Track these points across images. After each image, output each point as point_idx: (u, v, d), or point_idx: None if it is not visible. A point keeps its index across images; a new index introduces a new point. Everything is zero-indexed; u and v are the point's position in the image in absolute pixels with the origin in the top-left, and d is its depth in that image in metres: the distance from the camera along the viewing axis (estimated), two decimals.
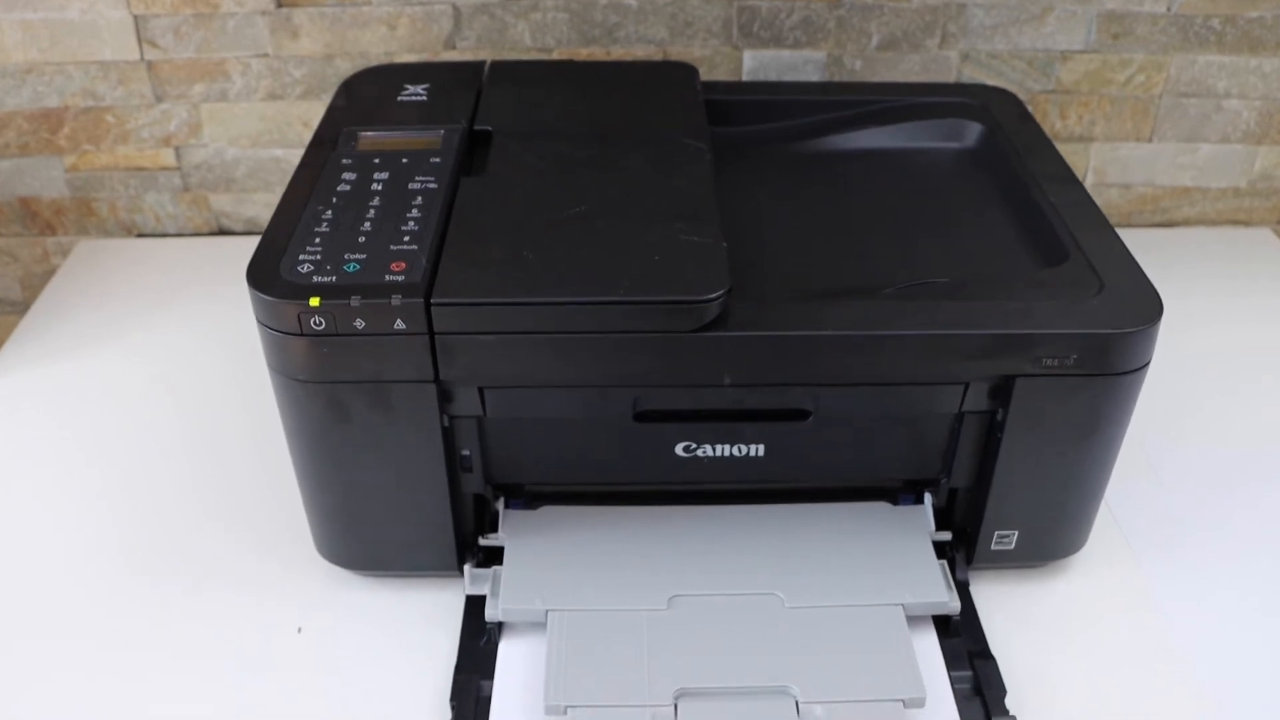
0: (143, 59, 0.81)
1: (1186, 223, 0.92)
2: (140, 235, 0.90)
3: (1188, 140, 0.87)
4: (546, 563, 0.57)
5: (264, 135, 0.85)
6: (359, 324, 0.49)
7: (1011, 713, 0.52)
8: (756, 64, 0.83)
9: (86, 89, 0.82)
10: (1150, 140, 0.87)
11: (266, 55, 0.82)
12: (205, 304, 0.81)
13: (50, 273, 0.89)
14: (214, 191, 0.88)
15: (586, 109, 0.64)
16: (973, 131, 0.68)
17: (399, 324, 0.49)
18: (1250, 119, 0.86)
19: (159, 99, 0.83)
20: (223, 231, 0.90)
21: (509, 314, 0.49)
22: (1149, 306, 0.52)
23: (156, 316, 0.80)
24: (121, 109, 0.83)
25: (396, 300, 0.49)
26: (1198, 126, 0.87)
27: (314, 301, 0.49)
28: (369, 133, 0.62)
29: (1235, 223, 0.92)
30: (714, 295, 0.49)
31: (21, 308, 0.92)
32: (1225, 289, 0.84)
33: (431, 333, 0.50)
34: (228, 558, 0.62)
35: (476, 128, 0.62)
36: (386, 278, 0.50)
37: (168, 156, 0.86)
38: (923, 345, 0.51)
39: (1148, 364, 0.53)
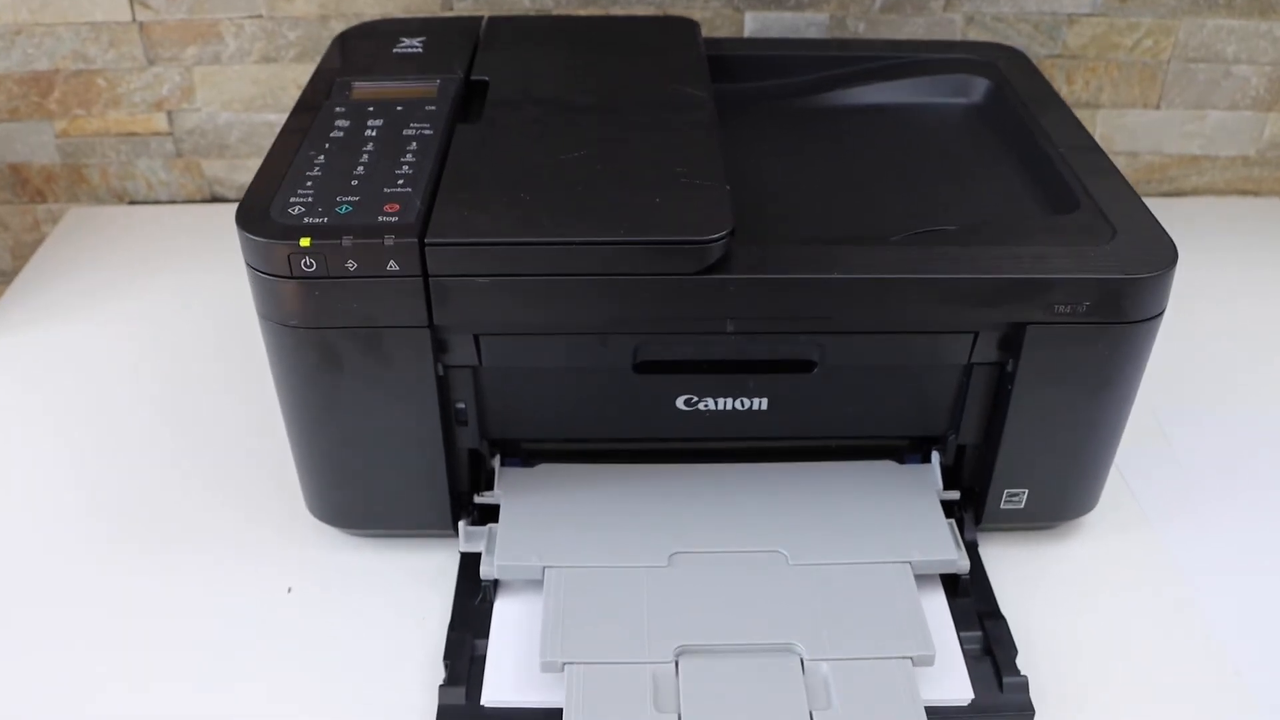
0: (134, 20, 0.80)
1: (1195, 192, 0.90)
2: (132, 202, 0.89)
3: (1196, 107, 0.86)
4: (543, 520, 0.56)
5: (257, 99, 0.84)
6: (351, 265, 0.48)
7: (1023, 673, 0.51)
8: (758, 25, 0.81)
9: (77, 51, 0.81)
10: (1158, 107, 0.86)
11: (260, 16, 0.80)
12: (196, 270, 0.80)
13: (40, 241, 0.87)
14: (207, 157, 0.86)
15: (586, 60, 0.63)
16: (980, 87, 0.67)
17: (392, 265, 0.48)
18: (1260, 85, 0.85)
19: (151, 62, 0.82)
20: (215, 199, 0.89)
21: (505, 255, 0.48)
22: (1163, 253, 0.51)
23: (146, 282, 0.79)
24: (113, 72, 0.82)
25: (390, 240, 0.47)
26: (1206, 93, 0.85)
27: (305, 242, 0.47)
28: (364, 83, 0.60)
29: (1244, 193, 0.90)
30: (717, 236, 0.48)
31: (11, 277, 0.90)
32: (1234, 260, 0.82)
33: (425, 275, 0.48)
34: (217, 518, 0.60)
35: (473, 78, 0.61)
36: (380, 219, 0.48)
37: (160, 121, 0.84)
38: (932, 290, 0.49)
39: (1162, 313, 0.52)
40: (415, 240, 0.47)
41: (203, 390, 0.69)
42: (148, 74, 0.82)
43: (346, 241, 0.47)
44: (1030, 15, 0.81)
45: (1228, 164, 0.89)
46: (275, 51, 0.82)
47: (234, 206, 0.50)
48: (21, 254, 0.90)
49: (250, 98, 0.83)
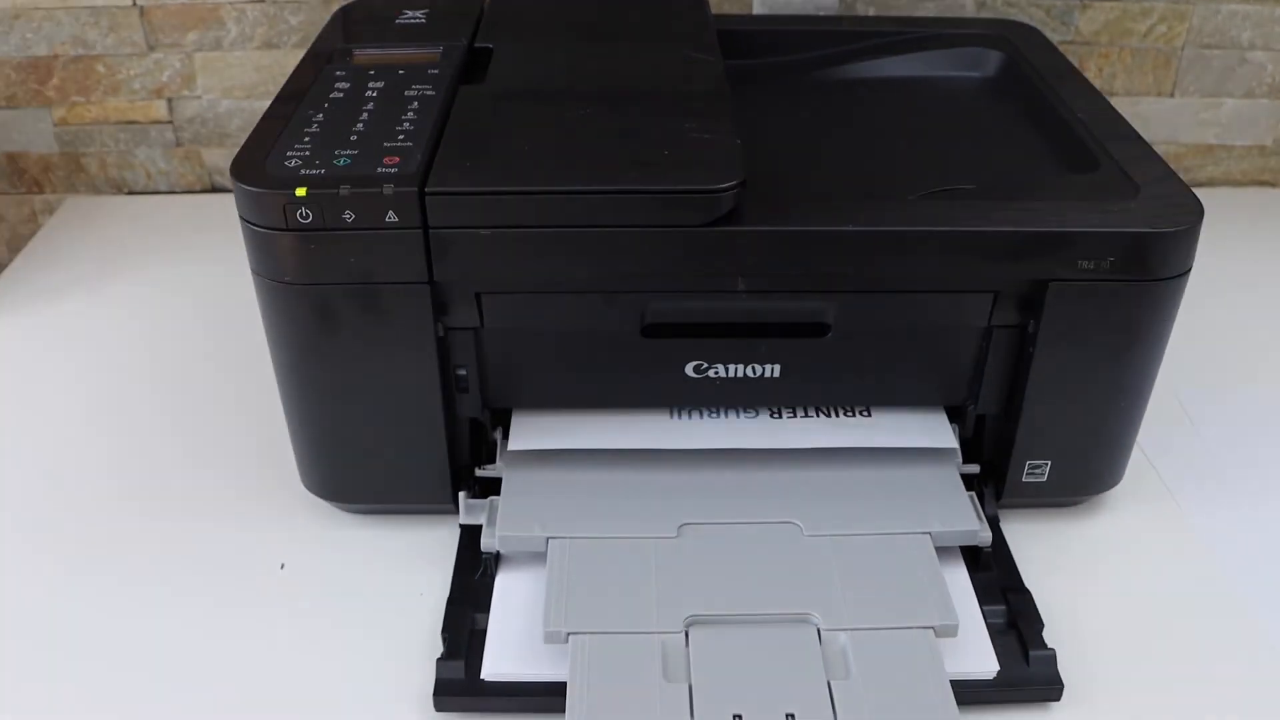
0: (135, 4, 0.79)
1: (1210, 183, 0.89)
2: (131, 193, 0.87)
3: (1211, 95, 0.84)
4: (547, 492, 0.54)
5: (259, 86, 0.83)
6: (348, 216, 0.46)
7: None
8: (766, 6, 0.80)
9: (76, 36, 0.80)
10: (1172, 95, 0.85)
11: (262, 1, 0.79)
12: (193, 260, 0.78)
13: (37, 233, 0.86)
14: (207, 146, 0.85)
15: (592, 28, 0.62)
16: (993, 60, 0.66)
17: (391, 216, 0.46)
18: (1276, 72, 0.83)
19: (151, 47, 0.81)
20: (216, 189, 0.87)
21: (508, 205, 0.46)
22: (1189, 208, 0.49)
23: (141, 271, 0.77)
24: (112, 58, 0.81)
25: (389, 189, 0.46)
26: (1221, 80, 0.84)
27: (300, 192, 0.46)
28: (365, 50, 0.59)
29: (1261, 183, 0.89)
30: (728, 185, 0.46)
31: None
32: (1252, 252, 0.80)
33: (425, 227, 0.46)
34: (208, 494, 0.58)
35: (477, 45, 0.60)
36: (379, 170, 0.47)
37: (160, 109, 0.83)
38: (951, 244, 0.48)
39: (1188, 271, 0.50)
40: (415, 189, 0.46)
41: (196, 374, 0.67)
42: (148, 60, 0.81)
43: (344, 190, 0.46)
44: (1042, 0, 0.80)
45: (1244, 153, 0.87)
46: (277, 37, 0.81)
47: (234, 197, 0.48)
48: (18, 246, 0.89)
49: (252, 84, 0.83)
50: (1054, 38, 0.82)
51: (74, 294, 0.75)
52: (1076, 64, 0.83)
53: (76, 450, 0.61)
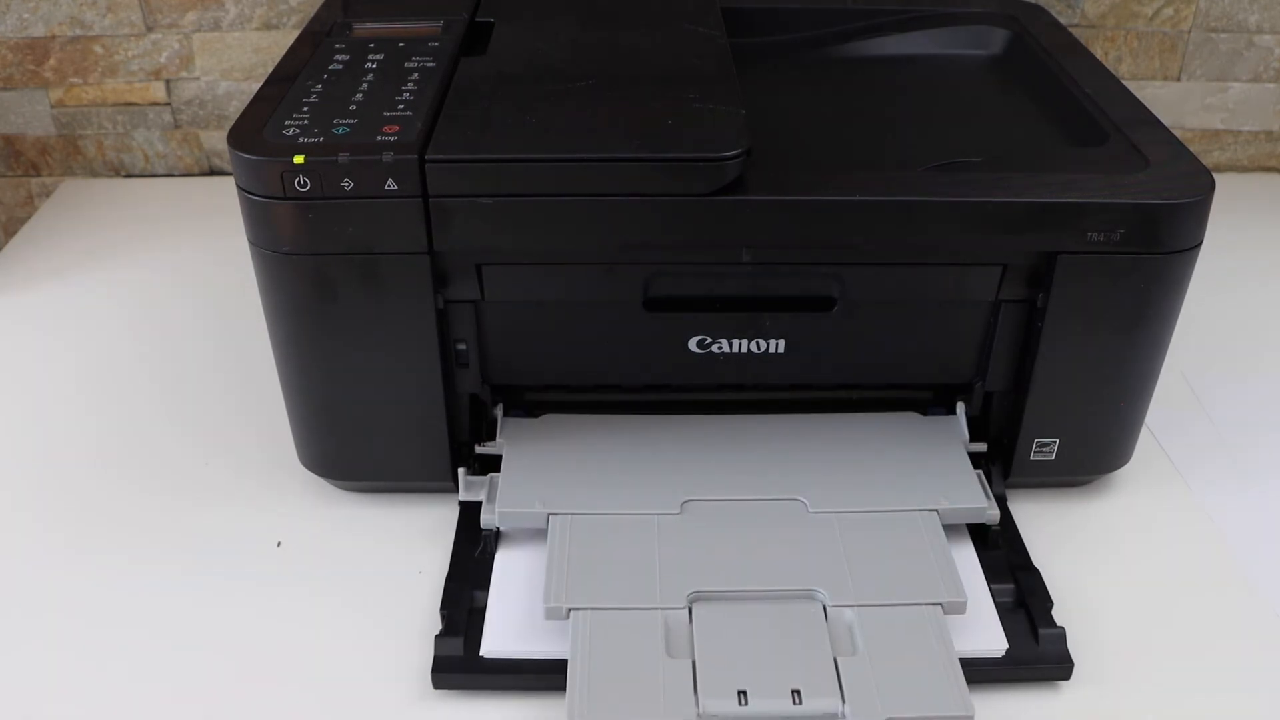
0: None
1: (1216, 169, 0.88)
2: (128, 176, 0.86)
3: (1218, 79, 0.84)
4: (548, 468, 0.53)
5: (258, 68, 0.82)
6: (347, 184, 0.45)
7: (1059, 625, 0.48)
8: None
9: (74, 17, 0.79)
10: (1179, 79, 0.84)
11: None
12: (191, 242, 0.77)
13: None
14: (205, 129, 0.84)
15: (595, 3, 0.61)
16: (1000, 38, 0.65)
17: (390, 185, 0.45)
18: None
19: (149, 28, 0.80)
20: (214, 172, 0.87)
21: (509, 173, 0.45)
22: (1200, 180, 0.49)
23: (140, 254, 0.77)
24: (110, 39, 0.80)
25: (388, 157, 0.45)
26: (1228, 64, 0.83)
27: (299, 159, 0.45)
28: (365, 23, 0.58)
29: (1268, 169, 0.88)
30: (733, 152, 0.45)
31: None
32: (1258, 240, 0.79)
33: (425, 195, 0.46)
34: (205, 472, 0.58)
35: (479, 20, 0.59)
36: (378, 138, 0.46)
37: (158, 91, 0.82)
38: (958, 214, 0.47)
39: (1199, 245, 0.49)
40: (415, 157, 0.45)
41: (193, 355, 0.67)
42: (146, 41, 0.80)
43: (343, 158, 0.45)
44: None
45: (1250, 139, 0.87)
46: (277, 18, 0.80)
47: (233, 179, 0.47)
48: (14, 230, 0.88)
49: (250, 66, 0.82)
50: (1060, 21, 0.81)
51: (71, 277, 0.74)
52: None
53: (74, 431, 0.61)
